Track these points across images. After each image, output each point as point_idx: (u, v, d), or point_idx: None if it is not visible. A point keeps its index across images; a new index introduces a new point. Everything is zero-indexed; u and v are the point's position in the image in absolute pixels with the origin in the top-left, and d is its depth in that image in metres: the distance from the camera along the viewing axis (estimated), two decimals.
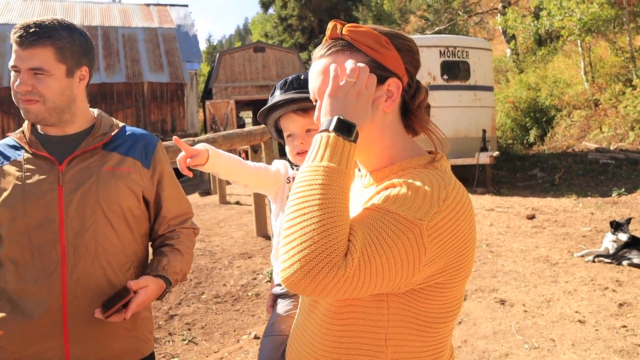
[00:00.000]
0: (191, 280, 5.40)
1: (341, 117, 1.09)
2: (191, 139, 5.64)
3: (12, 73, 1.65)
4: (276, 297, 2.09)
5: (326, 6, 31.96)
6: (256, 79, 23.90)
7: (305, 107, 1.75)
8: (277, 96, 1.83)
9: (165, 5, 25.54)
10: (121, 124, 1.86)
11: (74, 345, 1.64)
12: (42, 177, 1.68)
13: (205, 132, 23.01)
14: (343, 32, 1.20)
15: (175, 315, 4.65)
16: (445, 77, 10.82)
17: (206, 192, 12.77)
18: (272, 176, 1.96)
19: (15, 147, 1.74)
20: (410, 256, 1.03)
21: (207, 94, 27.77)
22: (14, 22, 19.89)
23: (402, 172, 1.18)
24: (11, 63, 1.63)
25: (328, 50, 1.21)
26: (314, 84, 1.23)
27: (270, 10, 37.42)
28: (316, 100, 1.24)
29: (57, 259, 1.64)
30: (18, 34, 1.58)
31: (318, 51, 1.24)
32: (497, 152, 10.98)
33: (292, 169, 1.96)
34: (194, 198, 12.42)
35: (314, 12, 32.33)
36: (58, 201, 1.66)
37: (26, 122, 1.75)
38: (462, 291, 1.19)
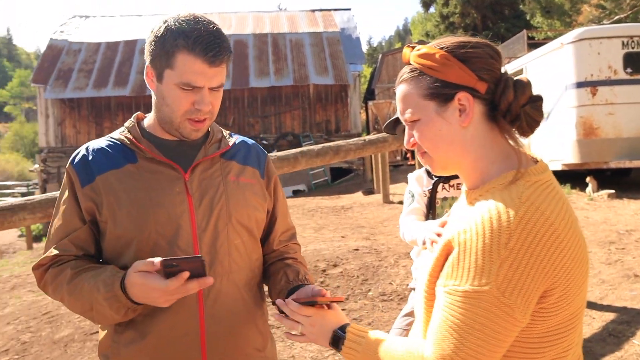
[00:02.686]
0: (358, 277, 5.46)
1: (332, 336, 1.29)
2: (362, 138, 5.69)
3: (176, 90, 1.45)
4: (413, 290, 2.23)
5: (490, 1, 30.64)
6: None
7: None
8: None
9: (330, 10, 26.32)
10: (227, 132, 1.73)
11: None
12: (168, 186, 1.52)
13: (368, 133, 23.31)
14: (411, 59, 1.24)
15: (343, 310, 4.72)
16: (629, 70, 9.71)
17: (369, 191, 12.90)
18: (422, 210, 1.98)
19: (125, 150, 1.55)
20: (499, 323, 1.03)
21: (369, 95, 28.15)
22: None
23: (483, 197, 1.15)
24: (186, 81, 1.42)
25: (401, 77, 1.26)
26: (397, 109, 1.29)
27: (431, 9, 36.89)
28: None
29: None
30: (207, 50, 1.40)
31: (398, 76, 1.29)
32: None
33: (431, 177, 2.01)
34: (358, 197, 12.62)
35: (477, 8, 31.17)
36: (190, 213, 1.51)
37: (131, 123, 1.61)
38: (577, 306, 1.12)
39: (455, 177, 1.87)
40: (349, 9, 26.61)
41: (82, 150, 1.59)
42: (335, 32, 23.31)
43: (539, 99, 1.20)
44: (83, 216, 1.52)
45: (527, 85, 1.18)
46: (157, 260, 1.34)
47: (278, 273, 1.66)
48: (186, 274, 1.32)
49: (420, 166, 2.01)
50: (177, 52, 1.41)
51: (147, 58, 1.50)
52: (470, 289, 1.04)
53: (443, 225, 1.41)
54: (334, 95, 21.11)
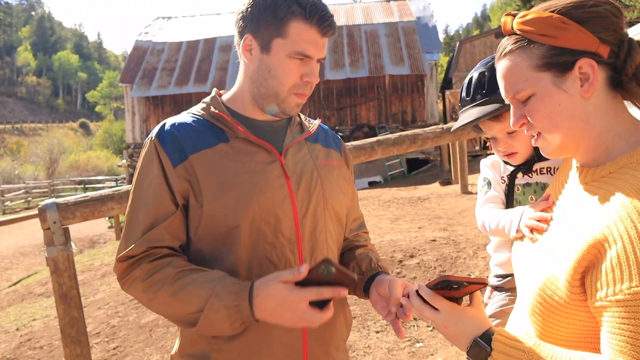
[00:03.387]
0: (435, 269, 5.35)
1: (471, 345, 1.08)
2: (439, 126, 5.57)
3: (287, 60, 1.36)
4: (493, 289, 2.01)
5: None
6: None
7: (497, 114, 1.57)
8: (464, 109, 1.66)
9: None
10: (303, 115, 1.64)
11: None
12: (267, 168, 1.40)
13: (445, 122, 22.83)
14: (514, 27, 1.10)
15: None
16: None
17: (447, 182, 12.64)
18: (501, 197, 1.78)
19: (213, 128, 1.42)
20: None
21: (446, 84, 27.53)
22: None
23: (618, 174, 1.02)
24: (299, 50, 1.34)
25: (503, 51, 1.12)
26: (500, 88, 1.16)
27: None
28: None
29: (293, 266, 1.39)
30: (322, 20, 1.34)
31: (497, 52, 1.16)
32: None
33: (505, 164, 1.78)
34: (435, 187, 12.40)
35: None
36: (290, 198, 1.40)
37: (215, 99, 1.48)
38: None
39: (539, 161, 1.69)
40: None
41: (166, 126, 1.42)
42: (411, 22, 22.96)
43: None
44: (176, 199, 1.36)
45: None
46: (304, 267, 1.20)
47: (349, 263, 1.58)
48: (332, 295, 1.21)
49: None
50: (292, 19, 1.33)
51: (244, 29, 1.39)
52: None
53: (547, 207, 1.25)
54: (410, 85, 20.82)
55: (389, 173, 19.18)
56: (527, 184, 1.70)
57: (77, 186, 32.45)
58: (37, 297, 7.88)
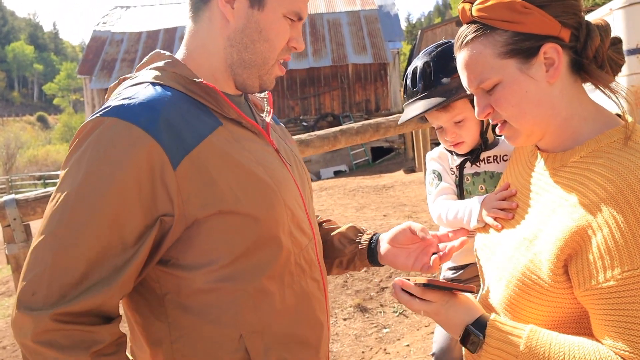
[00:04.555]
0: None
1: (463, 333, 1.06)
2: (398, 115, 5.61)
3: (282, 20, 1.13)
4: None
5: None
6: None
7: (444, 106, 1.53)
8: (410, 100, 1.61)
9: None
10: None
11: None
12: (270, 157, 1.16)
13: None
14: (473, 14, 1.06)
15: (386, 287, 4.71)
16: None
17: (411, 170, 12.79)
18: (453, 189, 1.74)
19: (197, 105, 1.08)
20: None
21: None
22: None
23: (591, 158, 1.01)
24: (297, 9, 1.14)
25: (463, 40, 1.08)
26: (462, 79, 1.12)
27: None
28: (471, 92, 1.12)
29: (317, 267, 1.22)
30: None
31: (456, 41, 1.11)
32: None
33: (452, 155, 1.74)
34: (399, 175, 12.53)
35: None
36: (297, 189, 1.21)
37: (173, 62, 1.13)
38: None
39: (486, 149, 1.67)
40: None
41: (146, 106, 1.01)
42: (373, 10, 23.01)
43: (619, 41, 1.07)
44: (157, 214, 1.00)
45: (608, 27, 1.05)
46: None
47: (332, 240, 1.44)
48: None
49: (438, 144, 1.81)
50: None
51: None
52: None
53: (509, 195, 1.25)
54: (374, 74, 20.91)
55: (354, 162, 19.28)
56: (476, 174, 1.68)
57: (36, 181, 31.59)
58: None
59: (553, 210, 1.03)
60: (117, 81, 1.19)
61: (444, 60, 1.51)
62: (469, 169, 1.70)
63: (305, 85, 20.89)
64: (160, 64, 1.12)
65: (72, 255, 0.95)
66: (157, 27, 23.55)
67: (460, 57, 1.10)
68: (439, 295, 1.10)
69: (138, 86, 1.07)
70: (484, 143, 1.64)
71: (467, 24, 1.09)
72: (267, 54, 1.14)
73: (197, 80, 1.08)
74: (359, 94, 20.97)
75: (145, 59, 1.20)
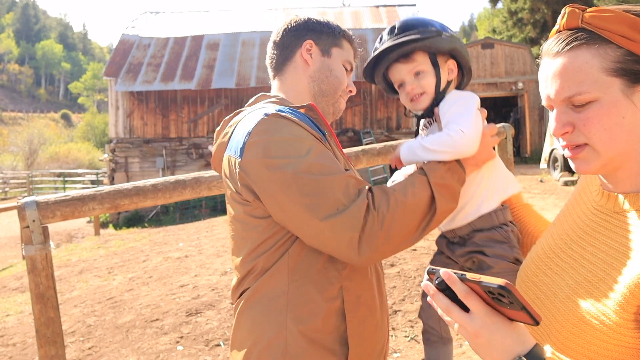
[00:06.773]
0: (415, 278, 5.37)
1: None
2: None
3: (341, 66, 1.63)
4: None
5: None
6: (483, 76, 23.07)
7: (406, 52, 1.57)
8: (378, 44, 1.67)
9: (394, 6, 26.07)
10: None
11: None
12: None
13: None
14: (584, 20, 0.96)
15: (399, 311, 4.65)
16: None
17: None
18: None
19: (310, 121, 1.48)
20: None
21: None
22: (261, 30, 22.16)
23: None
24: (350, 60, 1.65)
25: (567, 45, 0.97)
26: (548, 88, 1.00)
27: (499, 5, 36.00)
28: (551, 108, 1.02)
29: (378, 270, 1.58)
30: (358, 46, 1.69)
31: (552, 46, 1.00)
32: None
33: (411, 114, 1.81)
34: None
35: (547, 3, 30.11)
36: None
37: (279, 97, 1.56)
38: None
39: (437, 105, 1.62)
40: (414, 5, 26.25)
41: (287, 111, 1.41)
42: None
43: None
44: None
45: None
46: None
47: None
48: None
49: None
50: (344, 38, 1.64)
51: (305, 36, 1.59)
52: None
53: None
54: None
55: (372, 178, 19.24)
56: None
57: (56, 178, 31.96)
58: (11, 291, 7.75)
59: (624, 254, 0.95)
60: (232, 114, 1.54)
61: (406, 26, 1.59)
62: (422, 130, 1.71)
63: None
64: (272, 99, 1.53)
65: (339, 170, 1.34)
66: (185, 34, 23.83)
67: (558, 62, 0.98)
68: (480, 306, 0.86)
69: (271, 106, 1.46)
70: (438, 98, 1.61)
71: (571, 29, 0.99)
72: (337, 86, 1.60)
73: (305, 104, 1.48)
74: (381, 111, 20.97)
75: (252, 99, 1.58)
